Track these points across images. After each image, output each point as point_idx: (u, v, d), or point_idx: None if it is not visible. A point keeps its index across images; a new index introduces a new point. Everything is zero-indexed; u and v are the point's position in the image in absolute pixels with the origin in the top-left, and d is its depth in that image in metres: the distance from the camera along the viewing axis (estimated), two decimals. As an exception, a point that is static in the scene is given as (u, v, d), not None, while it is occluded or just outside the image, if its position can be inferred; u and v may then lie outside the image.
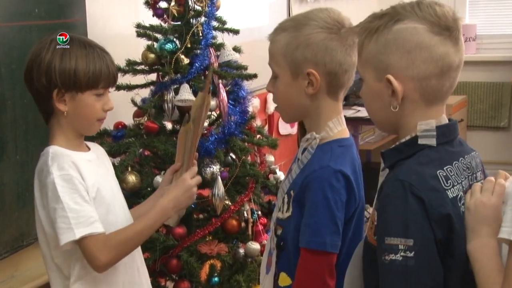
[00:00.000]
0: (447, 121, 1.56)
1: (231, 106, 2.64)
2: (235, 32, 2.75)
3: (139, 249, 2.09)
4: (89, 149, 2.02)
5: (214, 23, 2.66)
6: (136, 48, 2.62)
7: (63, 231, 1.82)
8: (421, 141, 1.53)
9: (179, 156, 2.19)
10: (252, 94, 2.79)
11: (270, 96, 4.02)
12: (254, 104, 3.08)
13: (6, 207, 2.30)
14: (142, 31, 2.63)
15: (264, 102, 4.04)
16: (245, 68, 2.73)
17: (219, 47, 2.67)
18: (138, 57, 2.60)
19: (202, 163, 2.51)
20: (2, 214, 2.32)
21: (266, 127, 3.98)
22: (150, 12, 2.63)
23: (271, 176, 2.80)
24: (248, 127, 2.73)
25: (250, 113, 2.72)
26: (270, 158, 2.88)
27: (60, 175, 1.84)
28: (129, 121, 2.63)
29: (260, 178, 2.68)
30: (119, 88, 2.47)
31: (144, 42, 2.63)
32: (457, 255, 1.47)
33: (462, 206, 1.50)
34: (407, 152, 1.53)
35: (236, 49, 2.74)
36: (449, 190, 1.49)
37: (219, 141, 2.57)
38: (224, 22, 2.72)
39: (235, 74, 2.68)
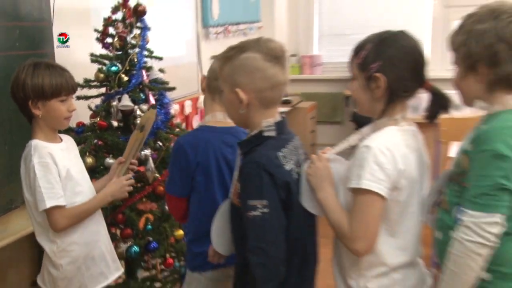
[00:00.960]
0: (280, 119, 1.57)
1: (158, 109, 2.64)
2: (160, 58, 2.72)
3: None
4: (61, 140, 1.99)
5: (145, 53, 2.64)
6: (91, 70, 2.57)
7: (39, 202, 1.84)
8: (265, 134, 1.52)
9: (126, 152, 2.19)
10: (172, 101, 2.79)
11: (186, 103, 4.03)
12: (174, 108, 3.08)
13: (0, 181, 2.23)
14: (95, 58, 2.58)
15: (182, 107, 4.03)
16: (167, 83, 2.72)
17: (149, 69, 2.65)
18: (92, 77, 2.55)
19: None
20: (-4, 187, 2.23)
21: (184, 124, 3.98)
22: (100, 45, 2.60)
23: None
24: (170, 123, 2.74)
25: (171, 114, 2.74)
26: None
27: (38, 162, 1.83)
28: (87, 121, 2.56)
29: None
30: (79, 98, 2.42)
31: (96, 66, 2.58)
32: (294, 209, 1.51)
33: (294, 174, 1.53)
34: (256, 142, 1.53)
35: (161, 70, 2.72)
36: (286, 165, 1.50)
37: (150, 133, 2.55)
38: (152, 52, 2.69)
39: (160, 87, 2.67)
